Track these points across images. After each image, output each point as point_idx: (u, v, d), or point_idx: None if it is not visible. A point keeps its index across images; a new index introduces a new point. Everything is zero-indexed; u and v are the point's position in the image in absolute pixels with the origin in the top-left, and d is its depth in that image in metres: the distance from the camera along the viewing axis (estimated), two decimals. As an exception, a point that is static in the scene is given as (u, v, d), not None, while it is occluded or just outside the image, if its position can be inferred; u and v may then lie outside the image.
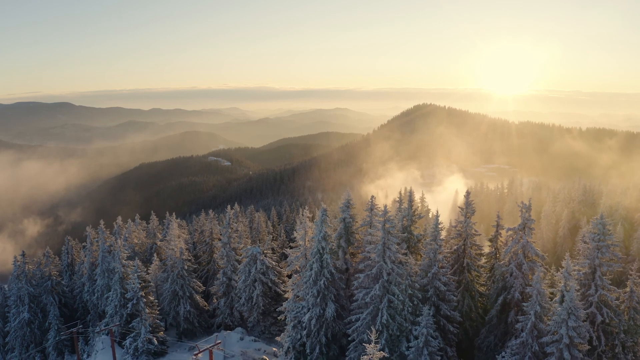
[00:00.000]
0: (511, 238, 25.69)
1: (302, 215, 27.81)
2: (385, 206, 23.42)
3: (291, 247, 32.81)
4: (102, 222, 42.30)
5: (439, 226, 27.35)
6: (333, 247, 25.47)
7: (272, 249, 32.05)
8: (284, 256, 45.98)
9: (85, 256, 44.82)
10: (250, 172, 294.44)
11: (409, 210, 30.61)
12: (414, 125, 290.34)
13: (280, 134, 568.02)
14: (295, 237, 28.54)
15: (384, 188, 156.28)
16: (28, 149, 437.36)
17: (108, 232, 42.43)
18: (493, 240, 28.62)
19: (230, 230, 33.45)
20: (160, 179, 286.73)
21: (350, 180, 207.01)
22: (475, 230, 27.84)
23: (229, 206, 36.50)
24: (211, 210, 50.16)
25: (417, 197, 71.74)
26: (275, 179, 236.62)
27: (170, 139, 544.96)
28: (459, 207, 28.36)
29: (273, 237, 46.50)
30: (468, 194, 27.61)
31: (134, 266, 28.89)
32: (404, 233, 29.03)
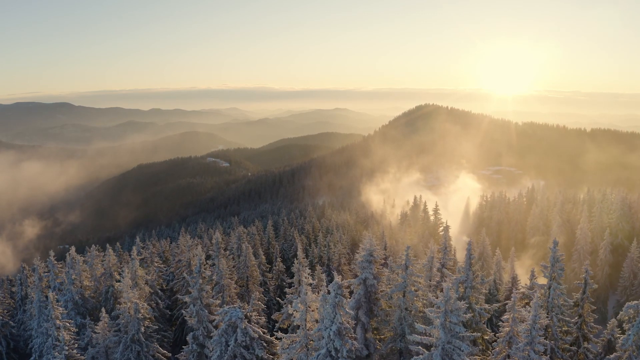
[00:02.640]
0: (631, 316, 17.05)
1: (300, 276, 18.92)
2: (448, 289, 14.32)
3: (286, 297, 24.42)
4: (51, 253, 33.46)
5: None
6: (354, 347, 16.30)
7: (258, 310, 23.82)
8: (280, 290, 37.55)
9: (35, 293, 36.39)
10: (249, 174, 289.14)
11: (467, 271, 21.32)
12: (416, 126, 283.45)
13: (280, 134, 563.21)
14: (290, 293, 20.03)
15: (387, 191, 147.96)
16: (27, 150, 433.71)
17: (60, 266, 33.68)
18: (578, 304, 19.99)
19: (201, 280, 24.83)
20: (158, 180, 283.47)
21: (351, 183, 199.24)
22: (566, 300, 19.01)
23: (199, 248, 27.20)
24: (190, 237, 41.76)
25: (430, 207, 64.26)
26: (274, 181, 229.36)
27: (170, 139, 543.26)
28: (541, 265, 19.78)
29: (266, 268, 38.02)
30: (556, 244, 18.74)
31: (59, 341, 20.54)
32: (461, 301, 18.93)
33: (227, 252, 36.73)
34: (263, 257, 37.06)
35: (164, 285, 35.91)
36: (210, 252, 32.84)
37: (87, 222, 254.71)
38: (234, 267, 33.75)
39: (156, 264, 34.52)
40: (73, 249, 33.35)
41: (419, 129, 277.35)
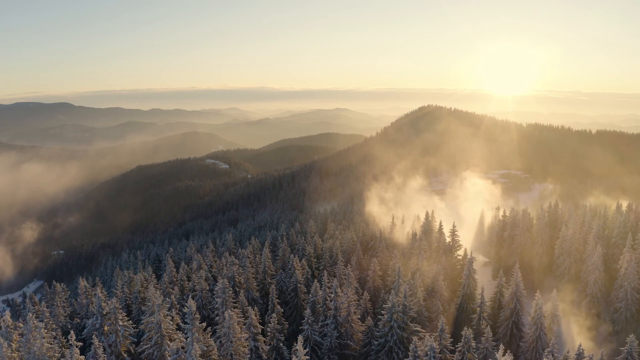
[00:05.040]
0: None
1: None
2: None
3: None
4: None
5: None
6: None
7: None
8: (277, 353, 31.15)
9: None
10: (249, 176, 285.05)
11: None
12: (419, 127, 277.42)
13: (281, 134, 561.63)
14: None
15: (392, 199, 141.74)
16: (28, 151, 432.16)
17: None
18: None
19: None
20: (157, 182, 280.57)
21: (353, 188, 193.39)
22: None
23: (168, 309, 19.34)
24: (174, 268, 35.70)
25: (447, 229, 58.04)
26: (274, 184, 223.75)
27: (170, 140, 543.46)
28: None
29: (258, 330, 30.48)
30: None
31: None
32: None
33: (205, 325, 28.45)
34: (255, 312, 30.64)
35: (131, 348, 29.79)
36: (184, 322, 25.48)
37: (86, 224, 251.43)
38: (214, 336, 26.93)
39: (121, 323, 28.54)
40: (7, 315, 25.98)
41: (422, 130, 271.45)
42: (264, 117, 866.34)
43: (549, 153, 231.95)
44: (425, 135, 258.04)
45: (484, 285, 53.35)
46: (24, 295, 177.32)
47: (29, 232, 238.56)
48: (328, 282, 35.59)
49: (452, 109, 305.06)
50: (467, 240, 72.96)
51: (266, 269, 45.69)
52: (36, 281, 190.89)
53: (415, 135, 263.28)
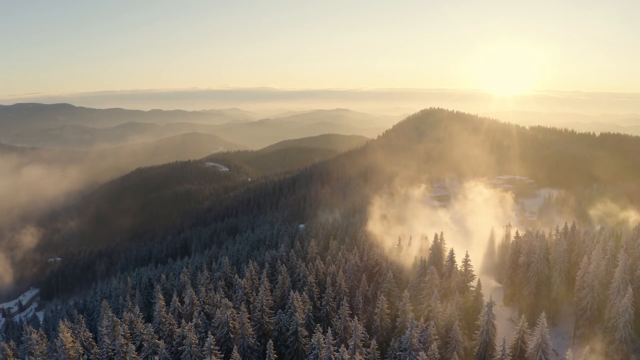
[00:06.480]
0: None
1: None
2: None
3: None
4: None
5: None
6: None
7: None
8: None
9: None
10: (249, 179, 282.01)
11: None
12: (421, 131, 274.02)
13: (281, 135, 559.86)
14: None
15: (394, 214, 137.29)
16: (28, 153, 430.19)
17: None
18: None
19: None
20: (157, 185, 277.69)
21: (354, 195, 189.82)
22: None
23: None
24: (163, 305, 31.98)
25: (459, 258, 54.06)
26: (275, 189, 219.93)
27: (171, 141, 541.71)
28: None
29: None
30: None
31: None
32: None
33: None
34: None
35: None
36: None
37: (86, 229, 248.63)
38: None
39: None
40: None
41: (424, 134, 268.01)
42: (264, 118, 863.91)
43: (552, 157, 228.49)
44: (427, 140, 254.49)
45: (496, 313, 49.54)
46: (20, 305, 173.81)
47: (29, 238, 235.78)
48: (333, 340, 32.03)
49: (454, 112, 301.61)
50: (476, 260, 68.98)
51: (264, 307, 41.98)
52: (32, 289, 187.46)
53: (417, 140, 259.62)
